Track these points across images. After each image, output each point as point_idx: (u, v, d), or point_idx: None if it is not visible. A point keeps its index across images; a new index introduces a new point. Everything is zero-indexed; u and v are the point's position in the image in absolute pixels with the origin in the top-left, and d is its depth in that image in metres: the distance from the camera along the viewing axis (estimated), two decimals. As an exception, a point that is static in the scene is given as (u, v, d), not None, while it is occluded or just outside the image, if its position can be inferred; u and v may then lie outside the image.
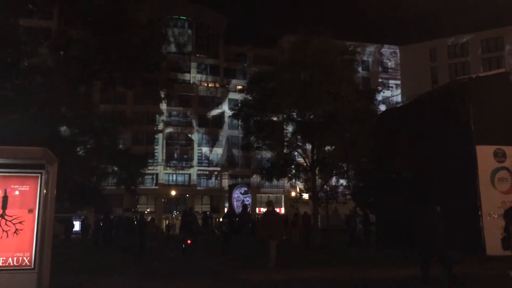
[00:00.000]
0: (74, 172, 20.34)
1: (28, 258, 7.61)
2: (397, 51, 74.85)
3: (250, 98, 22.50)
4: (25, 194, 7.75)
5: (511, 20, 60.86)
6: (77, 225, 32.96)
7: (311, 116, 21.59)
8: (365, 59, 69.00)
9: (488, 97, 17.14)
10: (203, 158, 65.68)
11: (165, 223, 53.72)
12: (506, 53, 64.73)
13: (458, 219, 16.87)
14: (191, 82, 67.04)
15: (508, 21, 62.23)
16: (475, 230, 16.10)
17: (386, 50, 74.92)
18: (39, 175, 7.88)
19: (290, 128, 23.30)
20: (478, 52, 66.74)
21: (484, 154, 16.60)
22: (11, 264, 7.54)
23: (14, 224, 7.62)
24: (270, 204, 13.36)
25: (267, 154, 35.52)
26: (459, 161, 17.21)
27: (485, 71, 47.42)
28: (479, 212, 16.18)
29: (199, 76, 68.16)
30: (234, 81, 69.03)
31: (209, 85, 69.06)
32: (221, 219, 27.03)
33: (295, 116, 22.35)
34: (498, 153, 16.81)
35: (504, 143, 16.92)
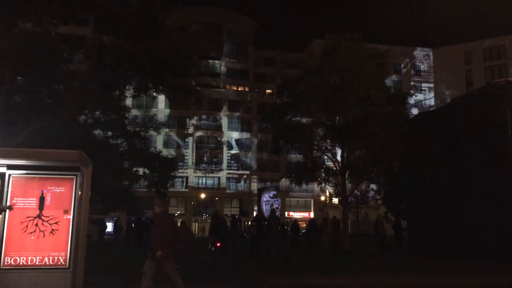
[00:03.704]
0: (107, 175, 20.83)
1: (64, 257, 7.83)
2: (430, 53, 73.24)
3: (279, 101, 22.51)
4: (61, 195, 7.99)
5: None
6: (109, 226, 33.72)
7: (341, 120, 21.41)
8: (397, 62, 67.81)
9: (526, 101, 16.56)
10: (232, 162, 66.05)
11: (195, 225, 54.24)
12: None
13: (494, 227, 16.35)
14: (221, 86, 67.64)
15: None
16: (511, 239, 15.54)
17: (419, 52, 73.46)
18: (74, 177, 8.12)
19: (319, 132, 23.17)
20: (516, 54, 64.53)
21: (522, 159, 16.04)
22: (47, 263, 7.78)
23: (50, 224, 7.87)
24: (162, 204, 8.19)
25: (296, 158, 35.40)
26: (495, 165, 16.68)
27: (523, 74, 45.74)
28: (517, 219, 15.61)
29: (228, 80, 68.71)
30: (263, 85, 69.21)
31: (239, 89, 69.50)
32: (249, 223, 27.08)
33: (324, 120, 22.21)
34: (536, 158, 16.19)
35: (543, 148, 16.29)
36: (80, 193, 8.13)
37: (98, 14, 16.63)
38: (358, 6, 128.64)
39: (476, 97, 19.78)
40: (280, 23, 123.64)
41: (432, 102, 68.26)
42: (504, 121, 16.38)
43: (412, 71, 72.35)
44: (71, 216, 8.00)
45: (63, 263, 7.82)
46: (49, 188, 7.98)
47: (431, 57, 73.15)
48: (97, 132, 25.80)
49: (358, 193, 44.23)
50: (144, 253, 8.90)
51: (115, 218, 34.23)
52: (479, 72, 66.29)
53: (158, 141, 55.80)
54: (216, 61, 67.45)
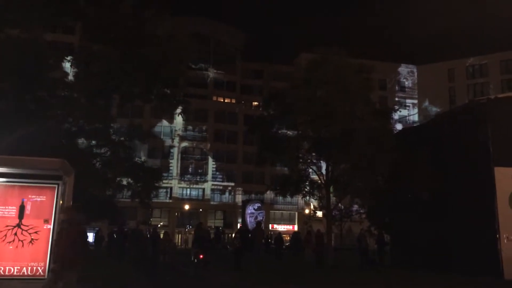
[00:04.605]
0: (89, 184, 20.54)
1: (42, 268, 7.67)
2: (415, 70, 74.52)
3: (266, 114, 22.57)
4: (41, 204, 7.86)
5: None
6: (90, 237, 33.17)
7: (327, 134, 21.55)
8: (382, 78, 68.76)
9: (507, 119, 16.92)
10: (217, 173, 65.80)
11: (178, 237, 53.70)
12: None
13: (475, 242, 16.55)
14: (208, 97, 67.63)
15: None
16: (492, 253, 15.74)
17: (404, 69, 74.66)
18: (56, 186, 7.99)
19: (305, 145, 23.26)
20: (498, 73, 66.00)
21: (503, 176, 16.32)
22: (25, 273, 7.61)
23: (29, 233, 7.71)
24: (66, 210, 7.46)
25: (282, 170, 35.44)
26: (477, 182, 16.94)
27: (504, 93, 46.82)
28: (497, 235, 15.83)
29: (215, 91, 68.77)
30: (250, 97, 69.44)
31: (226, 101, 69.56)
32: (233, 235, 26.93)
33: (310, 133, 22.32)
34: (517, 175, 16.49)
35: (523, 165, 16.61)
36: (61, 202, 8.00)
37: (87, 22, 16.57)
38: (344, 21, 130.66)
39: (459, 114, 20.14)
40: (269, 36, 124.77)
41: (416, 118, 69.23)
42: (485, 138, 16.68)
43: (397, 87, 73.44)
44: (51, 226, 7.86)
45: (41, 273, 7.66)
46: (29, 196, 7.84)
47: (415, 73, 74.41)
48: (81, 140, 25.47)
49: (342, 206, 44.41)
50: (125, 264, 8.75)
51: (97, 228, 33.73)
52: (462, 89, 67.62)
53: (143, 151, 55.36)
54: (204, 72, 67.53)
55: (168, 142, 64.06)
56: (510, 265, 15.44)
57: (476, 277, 14.80)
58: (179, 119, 58.74)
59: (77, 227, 7.29)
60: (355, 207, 47.21)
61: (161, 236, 23.51)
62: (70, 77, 17.48)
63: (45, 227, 7.81)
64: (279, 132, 22.84)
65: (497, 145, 16.44)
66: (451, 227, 17.85)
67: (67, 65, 18.85)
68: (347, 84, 19.57)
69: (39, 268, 7.65)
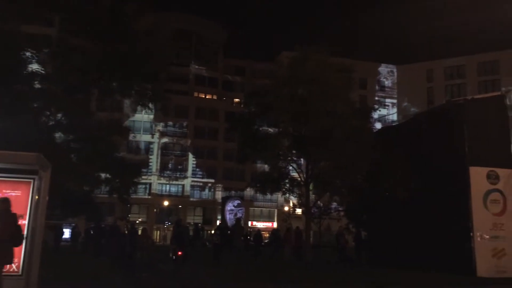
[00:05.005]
0: (67, 179, 20.21)
1: (16, 264, 7.53)
2: (394, 70, 75.52)
3: (247, 111, 22.59)
4: (16, 199, 7.70)
5: (507, 44, 61.68)
6: (67, 233, 32.64)
7: (307, 132, 21.68)
8: (363, 77, 69.47)
9: (482, 119, 17.32)
10: (197, 170, 65.53)
11: (156, 233, 53.35)
12: (502, 77, 65.39)
13: (450, 240, 16.90)
14: (189, 93, 67.22)
15: (504, 44, 63.10)
16: (466, 251, 16.11)
17: (384, 69, 75.58)
18: (32, 180, 7.84)
19: (286, 142, 23.36)
20: (475, 74, 67.40)
21: (478, 175, 16.70)
22: (-2, 269, 7.44)
23: (4, 229, 7.54)
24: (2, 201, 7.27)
25: (262, 168, 35.52)
26: (452, 181, 17.28)
27: (481, 94, 47.86)
28: (471, 234, 16.20)
29: (197, 87, 68.39)
30: (232, 94, 69.31)
31: (207, 97, 69.26)
32: (213, 231, 26.89)
33: (291, 131, 22.43)
34: (491, 175, 16.92)
35: (497, 165, 17.05)
36: (37, 197, 7.86)
37: (67, 15, 16.26)
38: (326, 21, 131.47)
39: (437, 114, 20.50)
40: (251, 33, 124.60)
41: (395, 117, 70.23)
42: (461, 138, 17.03)
43: (377, 87, 74.32)
44: (26, 221, 7.71)
45: (15, 270, 7.52)
46: (4, 191, 7.68)
47: (395, 73, 75.43)
48: (58, 135, 25.02)
49: (321, 204, 44.74)
50: (101, 261, 8.68)
51: (73, 224, 33.22)
52: (440, 90, 68.87)
53: (122, 146, 54.68)
54: (185, 68, 67.06)
55: (148, 137, 63.46)
56: (483, 263, 15.85)
57: (450, 275, 15.14)
58: (159, 115, 58.25)
59: (12, 218, 7.16)
60: (334, 204, 47.63)
61: (139, 232, 23.31)
62: (48, 71, 17.13)
63: (20, 223, 7.65)
64: (260, 129, 22.90)
65: (473, 145, 16.80)
66: (427, 225, 18.17)
67: (45, 58, 18.46)
68: (328, 83, 19.72)
69: (13, 264, 7.49)
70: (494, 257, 16.10)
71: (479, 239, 16.13)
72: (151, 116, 60.28)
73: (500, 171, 17.01)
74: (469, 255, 15.95)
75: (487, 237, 16.24)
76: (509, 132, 18.78)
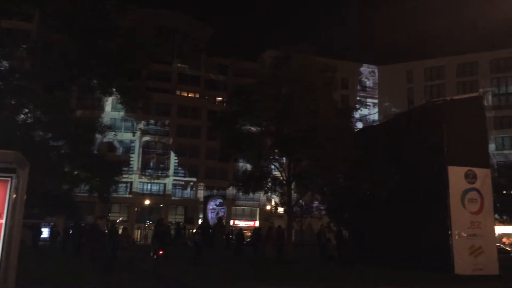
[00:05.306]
0: (45, 178, 19.84)
1: (-7, 265, 7.37)
2: (376, 70, 76.37)
3: (229, 109, 22.54)
4: (-7, 198, 7.53)
5: (486, 46, 63.03)
6: (45, 232, 32.13)
7: (290, 131, 21.75)
8: (345, 76, 70.05)
9: (461, 120, 17.65)
10: (179, 168, 65.14)
11: (137, 233, 52.86)
12: (480, 78, 66.74)
13: (429, 238, 17.19)
14: (171, 91, 66.71)
15: (483, 46, 64.46)
16: (444, 249, 16.40)
17: (365, 69, 76.36)
18: (9, 179, 7.66)
19: (268, 141, 23.40)
20: (454, 75, 68.61)
21: (456, 175, 17.01)
22: (-26, 270, 7.28)
23: (-20, 229, 7.38)
24: None
25: (244, 166, 35.52)
26: (431, 180, 17.56)
27: (459, 95, 48.71)
28: (449, 232, 16.50)
29: (179, 85, 67.91)
30: (214, 92, 69.05)
31: (189, 95, 68.86)
32: (194, 230, 26.76)
33: (273, 130, 22.48)
34: (469, 174, 17.25)
35: (475, 165, 17.40)
36: (14, 196, 7.70)
37: (46, 10, 15.93)
38: (308, 20, 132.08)
39: (416, 114, 20.81)
40: (235, 32, 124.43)
41: (376, 117, 71.04)
42: (441, 138, 17.33)
43: (358, 87, 75.05)
44: (3, 221, 7.55)
45: (-8, 270, 7.34)
46: (-20, 190, 7.49)
47: (376, 74, 76.29)
48: (37, 132, 24.55)
49: (303, 203, 45.01)
50: (80, 260, 8.56)
51: (52, 224, 32.71)
52: (420, 90, 69.94)
53: (103, 144, 53.96)
54: (168, 66, 66.50)
55: (129, 136, 62.78)
56: (461, 261, 16.17)
57: (429, 272, 15.40)
58: (141, 113, 57.64)
59: None
60: (316, 203, 47.98)
61: (120, 231, 23.07)
62: (27, 67, 16.77)
63: (-4, 222, 7.49)
64: (243, 128, 22.89)
65: (451, 145, 17.11)
66: (406, 223, 18.43)
67: (24, 54, 18.08)
68: (311, 82, 19.82)
69: (-11, 265, 7.32)
70: (471, 255, 16.44)
71: (457, 237, 16.45)
72: (133, 114, 59.66)
73: (478, 171, 17.37)
74: (448, 253, 16.25)
75: (465, 235, 16.57)
76: (486, 132, 19.22)
